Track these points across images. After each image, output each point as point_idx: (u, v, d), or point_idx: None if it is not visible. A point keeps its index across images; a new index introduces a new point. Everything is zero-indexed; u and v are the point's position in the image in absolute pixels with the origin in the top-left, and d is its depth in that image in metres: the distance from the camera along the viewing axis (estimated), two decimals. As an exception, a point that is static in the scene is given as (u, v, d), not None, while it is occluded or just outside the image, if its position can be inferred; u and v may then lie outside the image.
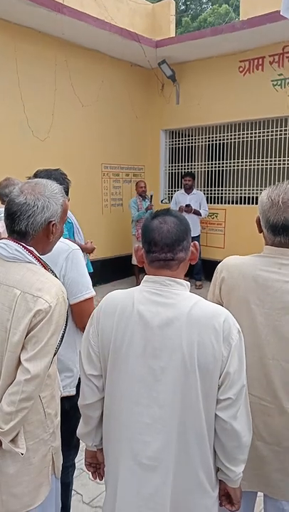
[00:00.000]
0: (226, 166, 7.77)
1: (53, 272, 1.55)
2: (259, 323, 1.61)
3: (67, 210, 1.66)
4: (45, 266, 1.52)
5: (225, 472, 1.38)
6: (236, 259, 1.75)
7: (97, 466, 1.60)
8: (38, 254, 1.51)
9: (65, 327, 1.52)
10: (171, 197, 8.31)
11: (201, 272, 7.31)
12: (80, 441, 2.08)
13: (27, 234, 1.49)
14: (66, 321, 1.52)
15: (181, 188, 7.55)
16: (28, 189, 1.50)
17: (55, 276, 1.54)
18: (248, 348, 1.60)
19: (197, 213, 7.20)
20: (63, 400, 1.86)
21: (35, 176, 2.31)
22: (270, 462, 1.65)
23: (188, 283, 1.41)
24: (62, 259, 1.89)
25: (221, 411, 1.31)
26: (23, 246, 1.47)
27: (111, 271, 7.52)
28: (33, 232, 1.49)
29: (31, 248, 1.49)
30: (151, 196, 7.29)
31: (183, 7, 23.35)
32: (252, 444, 1.60)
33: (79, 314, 1.93)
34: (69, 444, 1.90)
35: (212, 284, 1.80)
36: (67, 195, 2.19)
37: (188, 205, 7.07)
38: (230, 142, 7.59)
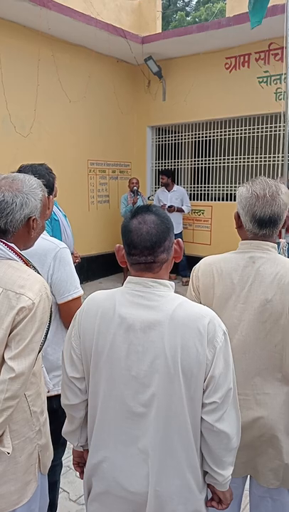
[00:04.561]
0: (213, 163, 7.79)
1: (34, 268, 1.53)
2: (235, 318, 1.63)
3: (47, 204, 1.64)
4: (26, 262, 1.50)
5: (213, 476, 1.36)
6: (211, 258, 1.77)
7: (84, 466, 1.58)
8: (19, 251, 1.48)
9: (49, 324, 1.50)
10: (158, 193, 8.35)
11: (187, 269, 7.35)
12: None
13: (7, 231, 1.46)
14: (50, 318, 1.50)
15: (160, 185, 7.57)
16: (5, 185, 1.47)
17: (37, 272, 1.52)
18: None
19: (180, 210, 7.21)
20: (51, 398, 1.85)
21: (20, 171, 2.28)
22: (260, 453, 1.67)
23: (173, 283, 1.38)
24: (50, 258, 1.87)
25: (207, 414, 1.29)
26: (3, 243, 1.45)
27: (98, 268, 7.51)
28: (13, 230, 1.46)
29: (12, 245, 1.46)
30: (137, 190, 7.21)
31: (165, 2, 23.24)
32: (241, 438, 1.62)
33: (67, 313, 1.91)
34: (56, 442, 1.89)
35: (189, 284, 1.81)
36: (52, 190, 2.15)
37: (170, 206, 7.07)
38: (217, 139, 7.62)
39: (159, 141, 8.41)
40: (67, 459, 2.50)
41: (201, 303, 1.70)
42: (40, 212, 1.54)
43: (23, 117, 6.24)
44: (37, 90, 6.39)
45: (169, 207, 7.05)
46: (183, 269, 7.25)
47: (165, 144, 8.31)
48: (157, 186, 8.48)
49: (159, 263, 1.32)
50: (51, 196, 2.09)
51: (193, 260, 7.26)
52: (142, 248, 1.29)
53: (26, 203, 1.47)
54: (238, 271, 1.65)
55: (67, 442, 2.15)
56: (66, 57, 6.75)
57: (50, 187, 2.07)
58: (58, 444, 2.02)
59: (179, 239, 1.40)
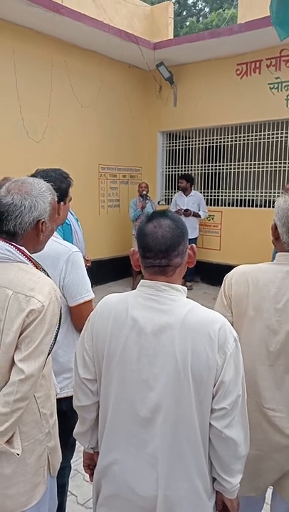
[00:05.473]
0: (223, 169, 7.79)
1: (44, 270, 1.55)
2: (271, 331, 1.61)
3: (56, 207, 1.64)
4: (36, 265, 1.51)
5: (221, 483, 1.36)
6: (245, 267, 1.73)
7: (94, 468, 1.58)
8: (29, 254, 1.50)
9: (59, 326, 1.52)
10: (168, 198, 8.34)
11: (193, 273, 7.31)
12: (76, 442, 2.09)
13: (16, 234, 1.47)
14: (60, 320, 1.51)
15: (178, 189, 7.56)
16: (14, 188, 1.48)
17: (47, 275, 1.53)
18: (258, 359, 1.60)
19: (196, 215, 7.20)
20: (61, 400, 1.86)
21: (34, 175, 2.27)
22: None
23: (186, 288, 1.39)
24: (63, 261, 1.89)
25: (216, 420, 1.29)
26: (13, 246, 1.46)
27: (108, 272, 7.53)
28: (21, 232, 1.48)
29: (22, 248, 1.48)
30: (146, 195, 7.14)
31: (177, 9, 23.30)
32: (269, 456, 1.60)
33: (78, 316, 1.93)
34: (65, 444, 1.90)
35: (220, 294, 1.77)
36: (66, 195, 2.12)
37: (186, 210, 7.06)
38: (227, 145, 7.62)
39: (169, 147, 8.43)
40: (75, 462, 2.51)
41: (232, 312, 1.69)
42: (50, 215, 1.55)
43: (36, 122, 6.30)
44: (50, 96, 6.46)
45: (185, 211, 7.04)
46: (190, 273, 7.20)
47: (176, 149, 8.33)
48: (167, 191, 8.50)
49: (172, 267, 1.33)
50: (62, 203, 2.07)
51: (203, 265, 7.30)
52: (157, 251, 1.30)
53: (35, 206, 1.48)
54: (275, 283, 1.61)
55: (76, 445, 2.16)
56: (78, 62, 6.82)
57: (62, 194, 2.04)
58: (67, 446, 2.03)
59: (193, 244, 1.41)
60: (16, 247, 1.46)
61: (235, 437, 1.30)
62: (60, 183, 2.07)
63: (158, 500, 1.30)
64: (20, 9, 5.44)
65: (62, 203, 2.06)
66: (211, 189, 7.96)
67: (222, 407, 1.28)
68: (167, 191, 8.51)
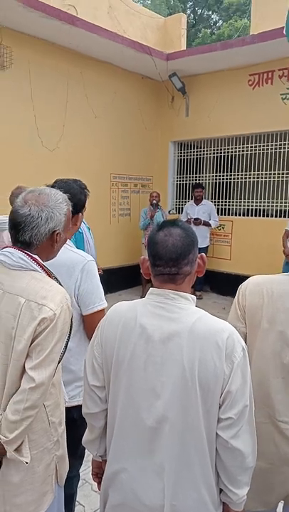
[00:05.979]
0: (234, 178, 7.79)
1: (57, 279, 1.56)
2: (285, 343, 1.59)
3: (71, 217, 1.66)
4: (49, 274, 1.52)
5: (227, 494, 1.34)
6: (260, 278, 1.71)
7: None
8: (42, 262, 1.51)
9: (69, 334, 1.52)
10: (179, 208, 8.34)
11: (202, 283, 7.29)
12: (85, 451, 2.08)
13: (31, 244, 1.49)
14: (70, 328, 1.52)
15: (190, 198, 7.55)
16: (31, 199, 1.50)
17: (60, 283, 1.54)
18: (272, 371, 1.59)
19: (207, 224, 7.19)
20: (72, 409, 1.87)
21: (53, 186, 2.30)
22: None
23: (194, 296, 1.39)
24: (78, 270, 1.91)
25: (222, 430, 1.28)
26: (27, 254, 1.48)
27: (117, 280, 7.53)
28: (37, 243, 1.50)
29: (35, 256, 1.50)
30: (156, 204, 7.15)
31: (192, 21, 23.54)
32: (280, 470, 1.58)
33: (91, 325, 1.93)
34: (74, 454, 1.90)
35: (234, 304, 1.75)
36: (83, 206, 2.16)
37: (196, 219, 7.06)
38: (239, 154, 7.63)
39: (181, 156, 8.46)
40: (84, 471, 2.50)
41: (246, 323, 1.69)
42: (64, 226, 1.57)
43: (51, 132, 6.36)
44: (66, 106, 6.54)
45: (195, 219, 7.04)
46: (199, 282, 7.18)
47: (187, 159, 8.35)
48: (178, 200, 8.51)
49: (182, 275, 1.34)
50: (80, 214, 2.11)
51: (213, 275, 7.28)
52: (167, 259, 1.31)
53: (51, 218, 1.50)
54: None
55: (85, 454, 2.15)
56: (94, 74, 6.90)
57: (81, 205, 2.10)
58: (76, 455, 2.02)
59: (203, 254, 1.41)
60: (29, 256, 1.48)
61: (242, 448, 1.28)
62: (81, 195, 2.13)
63: (164, 511, 1.29)
64: (37, 21, 5.53)
65: (80, 214, 2.10)
66: (222, 198, 7.96)
67: (228, 417, 1.27)
68: (178, 200, 8.52)
